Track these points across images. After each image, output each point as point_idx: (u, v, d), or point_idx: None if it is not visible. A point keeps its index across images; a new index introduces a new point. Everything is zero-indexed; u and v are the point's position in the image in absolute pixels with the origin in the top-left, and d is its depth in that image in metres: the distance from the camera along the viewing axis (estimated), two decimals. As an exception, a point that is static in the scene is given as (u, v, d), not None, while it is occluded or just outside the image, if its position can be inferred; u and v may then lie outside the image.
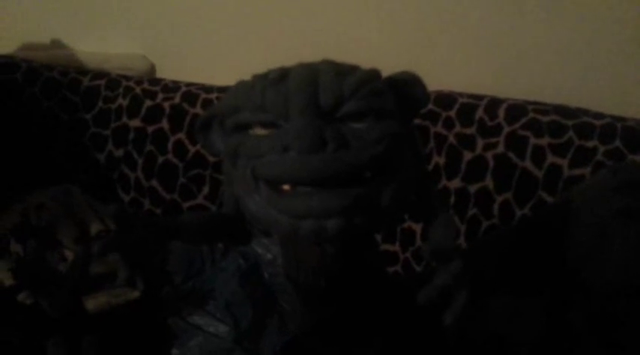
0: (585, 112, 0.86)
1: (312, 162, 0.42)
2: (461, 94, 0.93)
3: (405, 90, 0.48)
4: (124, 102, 1.08)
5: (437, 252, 0.48)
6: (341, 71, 0.45)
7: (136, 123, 1.07)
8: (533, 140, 0.85)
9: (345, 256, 0.53)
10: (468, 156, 0.90)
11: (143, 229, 0.47)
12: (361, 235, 0.54)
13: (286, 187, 0.43)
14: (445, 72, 0.97)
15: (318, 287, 0.55)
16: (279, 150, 0.43)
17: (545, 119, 0.86)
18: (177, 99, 1.06)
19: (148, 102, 1.07)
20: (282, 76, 0.44)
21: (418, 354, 0.66)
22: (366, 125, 0.44)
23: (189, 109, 1.04)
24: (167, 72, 1.20)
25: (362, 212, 0.43)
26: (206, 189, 1.03)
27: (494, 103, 0.90)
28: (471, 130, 0.90)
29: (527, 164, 0.85)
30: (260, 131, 0.45)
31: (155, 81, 1.12)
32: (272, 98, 0.44)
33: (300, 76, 0.44)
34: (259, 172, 0.44)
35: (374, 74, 0.46)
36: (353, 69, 0.46)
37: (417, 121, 0.76)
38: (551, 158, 0.84)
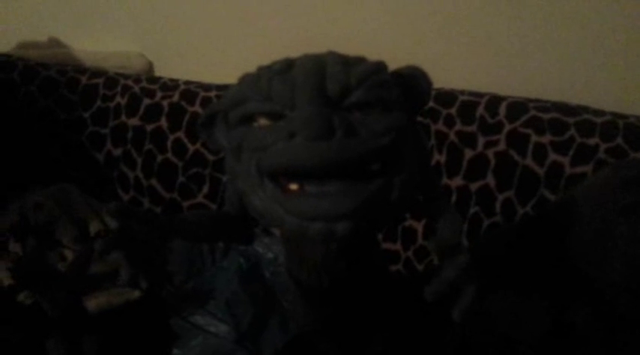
0: (586, 109, 0.86)
1: (320, 148, 0.40)
2: (462, 92, 0.93)
3: (411, 84, 0.48)
4: (122, 100, 1.08)
5: (443, 245, 0.48)
6: (347, 61, 0.44)
7: (134, 121, 1.06)
8: (534, 138, 0.85)
9: (349, 254, 0.53)
10: (469, 154, 0.89)
11: (145, 225, 0.46)
12: (366, 233, 0.53)
13: (294, 187, 0.42)
14: (446, 69, 0.96)
15: (321, 285, 0.54)
16: (286, 137, 0.41)
17: (546, 116, 0.86)
18: (175, 98, 1.05)
19: (147, 101, 1.06)
20: (288, 66, 0.44)
21: (419, 353, 0.66)
22: (373, 116, 0.43)
23: (188, 108, 1.04)
24: (165, 70, 1.19)
25: (372, 212, 0.42)
26: (206, 188, 1.03)
27: (495, 101, 0.90)
28: (471, 128, 0.90)
29: (529, 162, 0.85)
30: (265, 123, 0.44)
31: (153, 79, 1.11)
32: (278, 87, 0.43)
33: (307, 65, 0.43)
34: (264, 163, 0.43)
35: (380, 66, 0.46)
36: (359, 60, 0.45)
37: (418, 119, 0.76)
38: (552, 156, 0.84)
